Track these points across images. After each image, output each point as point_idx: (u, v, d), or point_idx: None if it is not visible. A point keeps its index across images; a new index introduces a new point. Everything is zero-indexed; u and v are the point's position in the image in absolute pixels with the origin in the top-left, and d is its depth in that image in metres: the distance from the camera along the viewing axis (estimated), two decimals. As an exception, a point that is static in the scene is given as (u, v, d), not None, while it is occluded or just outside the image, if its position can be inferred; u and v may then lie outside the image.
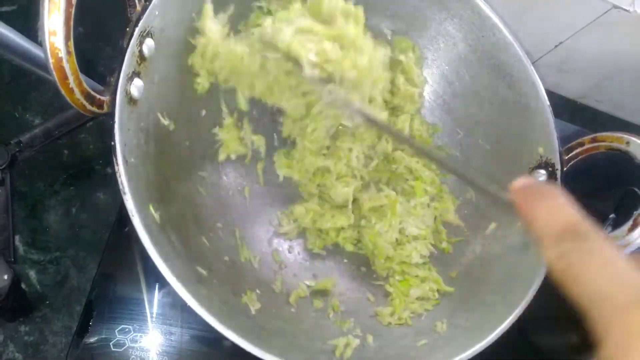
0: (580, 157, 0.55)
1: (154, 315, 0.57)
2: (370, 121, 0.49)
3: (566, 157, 0.56)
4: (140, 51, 0.46)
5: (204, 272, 0.50)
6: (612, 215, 0.69)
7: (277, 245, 0.62)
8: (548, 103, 0.57)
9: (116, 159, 0.42)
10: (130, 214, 0.41)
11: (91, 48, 0.69)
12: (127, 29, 0.45)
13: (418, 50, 0.66)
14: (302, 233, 0.63)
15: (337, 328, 0.56)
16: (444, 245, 0.63)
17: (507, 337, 0.49)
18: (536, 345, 0.67)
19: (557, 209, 0.24)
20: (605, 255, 0.21)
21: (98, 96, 0.42)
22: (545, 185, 0.26)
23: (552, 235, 0.23)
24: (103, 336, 0.55)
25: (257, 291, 0.56)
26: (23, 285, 0.58)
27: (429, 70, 0.67)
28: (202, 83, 0.54)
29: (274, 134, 0.64)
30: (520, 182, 0.27)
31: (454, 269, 0.61)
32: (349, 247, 0.62)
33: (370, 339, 0.54)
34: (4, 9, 0.68)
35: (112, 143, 0.42)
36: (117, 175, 0.41)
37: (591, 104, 0.90)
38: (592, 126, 0.87)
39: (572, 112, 0.88)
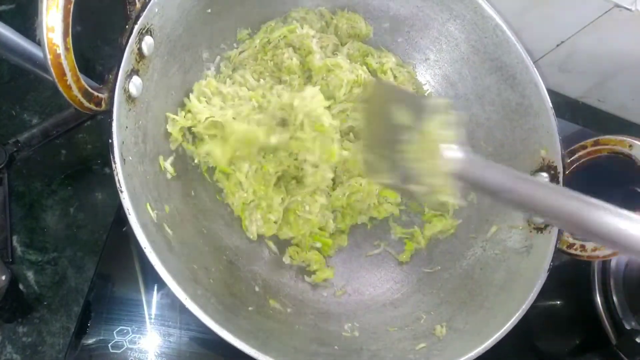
0: (582, 160, 0.55)
1: (153, 316, 0.57)
2: None
3: (569, 160, 0.55)
4: (140, 49, 0.46)
5: (201, 271, 0.49)
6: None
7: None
8: (551, 105, 0.56)
9: (113, 157, 0.41)
10: (126, 212, 0.41)
11: (90, 47, 0.69)
12: (127, 26, 0.44)
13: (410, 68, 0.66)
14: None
15: (335, 330, 0.55)
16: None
17: (508, 339, 0.49)
18: (537, 346, 0.67)
19: None
20: None
21: (96, 93, 0.41)
22: None
23: None
24: (101, 337, 0.55)
25: (256, 289, 0.56)
26: (21, 286, 0.58)
27: (432, 71, 0.67)
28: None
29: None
30: None
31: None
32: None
33: (369, 342, 0.54)
34: (2, 7, 0.68)
35: (110, 141, 0.42)
36: (115, 173, 0.41)
37: (593, 103, 0.89)
38: (594, 126, 0.86)
39: (573, 111, 0.88)
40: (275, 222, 0.58)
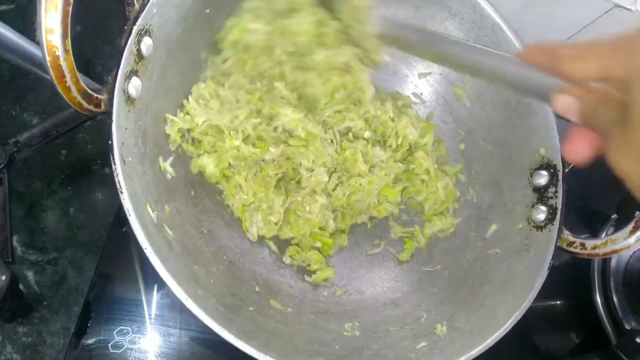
0: (582, 157, 0.55)
1: (153, 316, 0.57)
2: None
3: (568, 158, 0.55)
4: (139, 50, 0.45)
5: (201, 272, 0.49)
6: (614, 216, 0.69)
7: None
8: (550, 103, 0.56)
9: (113, 158, 0.41)
10: (127, 213, 0.41)
11: (89, 47, 0.69)
12: (125, 27, 0.44)
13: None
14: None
15: (335, 330, 0.55)
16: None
17: (508, 338, 0.49)
18: (537, 346, 0.67)
19: None
20: None
21: (95, 95, 0.41)
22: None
23: None
24: (101, 337, 0.55)
25: (256, 289, 0.56)
26: (21, 286, 0.58)
27: (430, 69, 0.67)
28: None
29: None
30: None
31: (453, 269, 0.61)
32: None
33: (369, 341, 0.54)
34: (2, 7, 0.68)
35: (110, 142, 0.42)
36: (115, 174, 0.41)
37: (593, 103, 0.89)
38: (594, 126, 0.86)
39: (573, 112, 0.88)
40: (275, 224, 0.58)
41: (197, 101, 0.56)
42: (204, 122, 0.55)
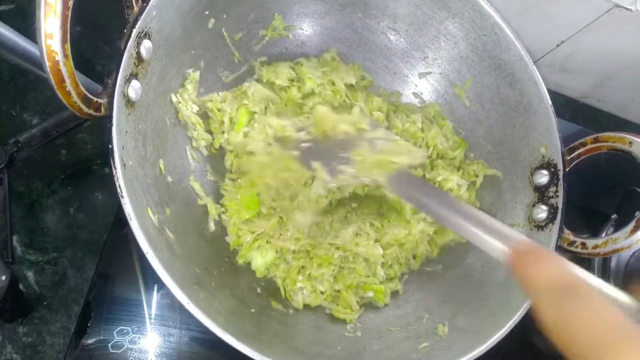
0: (582, 157, 0.55)
1: (153, 316, 0.57)
2: None
3: (568, 158, 0.55)
4: (138, 53, 0.45)
5: (203, 274, 0.49)
6: (614, 216, 0.69)
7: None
8: (550, 103, 0.56)
9: (114, 163, 0.41)
10: (128, 217, 0.40)
11: (89, 47, 0.68)
12: (125, 30, 0.44)
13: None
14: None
15: (337, 331, 0.55)
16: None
17: (509, 338, 0.49)
18: (537, 346, 0.67)
19: (548, 269, 0.26)
20: (595, 305, 0.23)
21: (95, 99, 0.41)
22: (538, 248, 0.31)
23: (544, 292, 0.25)
24: (101, 337, 0.55)
25: (258, 291, 0.56)
26: (21, 286, 0.58)
27: (430, 69, 0.67)
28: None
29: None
30: (517, 247, 0.31)
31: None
32: None
33: (371, 342, 0.54)
34: (2, 7, 0.68)
35: (110, 146, 0.41)
36: (115, 178, 0.41)
37: (593, 103, 0.89)
38: (594, 126, 0.86)
39: (573, 111, 0.88)
40: (323, 293, 0.58)
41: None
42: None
